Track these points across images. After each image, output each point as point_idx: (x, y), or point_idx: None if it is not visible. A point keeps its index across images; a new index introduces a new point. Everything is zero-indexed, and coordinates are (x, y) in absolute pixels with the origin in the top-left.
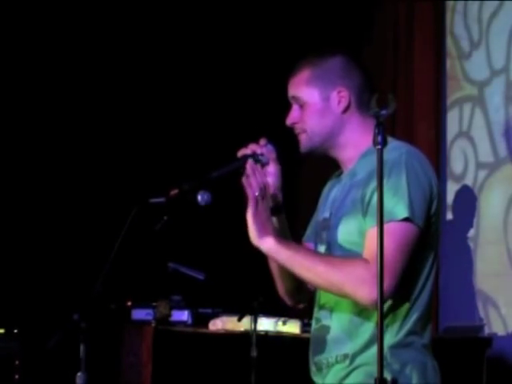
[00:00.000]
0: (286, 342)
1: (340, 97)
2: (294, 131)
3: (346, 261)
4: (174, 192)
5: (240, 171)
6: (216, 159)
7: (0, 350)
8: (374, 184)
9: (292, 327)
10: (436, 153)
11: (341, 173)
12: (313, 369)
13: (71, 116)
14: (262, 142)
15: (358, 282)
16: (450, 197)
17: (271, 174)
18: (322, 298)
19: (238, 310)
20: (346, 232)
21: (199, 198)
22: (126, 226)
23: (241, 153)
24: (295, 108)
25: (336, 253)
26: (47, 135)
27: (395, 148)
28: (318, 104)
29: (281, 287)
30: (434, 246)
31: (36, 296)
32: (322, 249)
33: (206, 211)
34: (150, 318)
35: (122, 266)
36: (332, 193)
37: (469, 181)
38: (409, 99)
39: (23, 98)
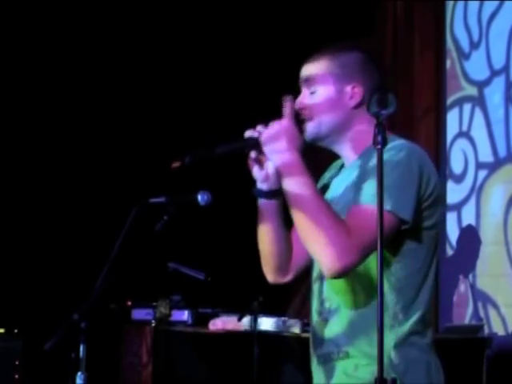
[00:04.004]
0: (286, 342)
1: (353, 92)
2: (299, 116)
3: (335, 216)
4: (176, 164)
5: (244, 152)
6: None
7: (0, 350)
8: (366, 177)
9: (292, 327)
10: (436, 153)
11: (342, 164)
12: (314, 362)
13: (71, 117)
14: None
15: (331, 247)
16: (450, 197)
17: None
18: (327, 292)
19: (238, 310)
20: None
21: (199, 198)
22: (126, 225)
23: (248, 133)
24: (305, 93)
25: None
26: (47, 136)
27: (394, 147)
28: (331, 94)
29: (268, 261)
30: (431, 244)
31: (36, 296)
32: None
33: (206, 211)
34: (149, 318)
35: (122, 265)
36: (332, 186)
37: (469, 181)
38: (409, 99)
39: (23, 98)
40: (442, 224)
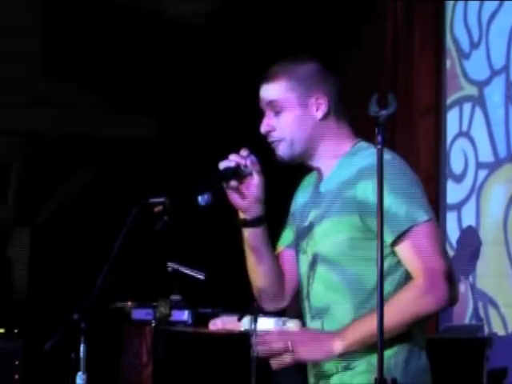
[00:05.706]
0: None
1: (318, 104)
2: (267, 139)
3: (399, 297)
4: (159, 208)
5: (223, 184)
6: (215, 158)
7: (0, 350)
8: (371, 185)
9: (292, 327)
10: (436, 152)
11: (314, 179)
12: (311, 380)
13: (71, 116)
14: (244, 152)
15: (423, 303)
16: (450, 196)
17: (254, 186)
18: (313, 309)
19: (238, 310)
20: (334, 242)
21: (199, 198)
22: (126, 225)
23: (223, 165)
24: (270, 115)
25: (320, 266)
26: (47, 136)
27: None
28: (296, 110)
29: (264, 291)
30: None
31: (36, 296)
32: (304, 259)
33: (206, 211)
34: (150, 318)
35: (122, 266)
36: (310, 200)
37: (469, 181)
38: (409, 99)
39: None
40: None
